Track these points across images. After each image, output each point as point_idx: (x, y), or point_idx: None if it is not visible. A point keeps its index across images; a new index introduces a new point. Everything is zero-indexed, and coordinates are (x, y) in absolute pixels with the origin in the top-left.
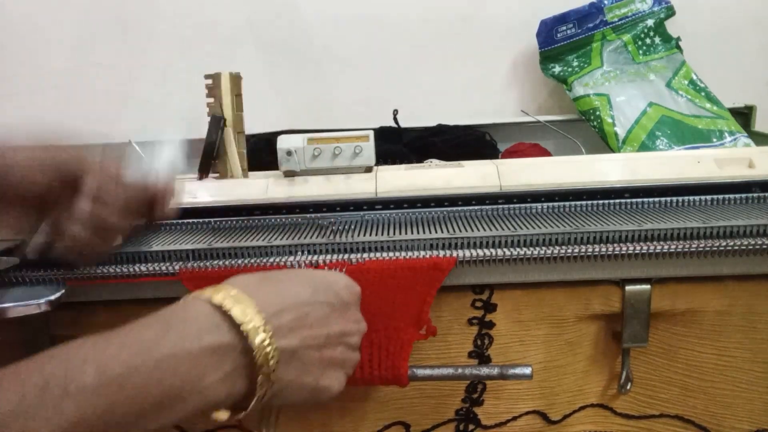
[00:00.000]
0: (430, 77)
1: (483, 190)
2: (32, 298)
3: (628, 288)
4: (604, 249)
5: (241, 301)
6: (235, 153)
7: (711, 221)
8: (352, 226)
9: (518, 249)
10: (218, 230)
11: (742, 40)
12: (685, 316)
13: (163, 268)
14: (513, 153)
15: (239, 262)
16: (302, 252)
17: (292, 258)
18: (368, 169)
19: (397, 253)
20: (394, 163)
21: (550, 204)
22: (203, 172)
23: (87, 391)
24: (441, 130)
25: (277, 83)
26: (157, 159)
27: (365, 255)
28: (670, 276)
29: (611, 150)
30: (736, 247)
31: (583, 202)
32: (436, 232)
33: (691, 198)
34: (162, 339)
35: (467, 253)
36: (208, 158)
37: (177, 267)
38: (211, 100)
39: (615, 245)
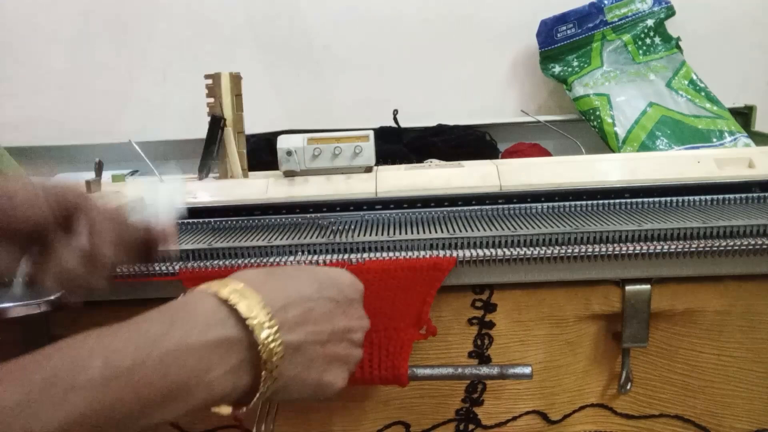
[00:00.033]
0: (430, 77)
1: (483, 190)
2: (32, 298)
3: (628, 288)
4: (604, 249)
5: (247, 296)
6: (235, 153)
7: (711, 221)
8: (352, 226)
9: (518, 249)
10: (218, 230)
11: (742, 40)
12: (685, 316)
13: (163, 268)
14: (513, 153)
15: (239, 262)
16: (302, 252)
17: (292, 258)
18: (368, 169)
19: (397, 253)
20: (394, 163)
21: (550, 204)
22: (203, 172)
23: (94, 385)
24: (441, 130)
25: (277, 83)
26: (157, 200)
27: (365, 255)
28: (670, 276)
29: (611, 150)
30: (736, 247)
31: (583, 202)
32: (436, 232)
33: (691, 198)
34: (168, 332)
35: (467, 253)
36: (208, 158)
37: (177, 267)
38: (211, 100)
39: (615, 245)
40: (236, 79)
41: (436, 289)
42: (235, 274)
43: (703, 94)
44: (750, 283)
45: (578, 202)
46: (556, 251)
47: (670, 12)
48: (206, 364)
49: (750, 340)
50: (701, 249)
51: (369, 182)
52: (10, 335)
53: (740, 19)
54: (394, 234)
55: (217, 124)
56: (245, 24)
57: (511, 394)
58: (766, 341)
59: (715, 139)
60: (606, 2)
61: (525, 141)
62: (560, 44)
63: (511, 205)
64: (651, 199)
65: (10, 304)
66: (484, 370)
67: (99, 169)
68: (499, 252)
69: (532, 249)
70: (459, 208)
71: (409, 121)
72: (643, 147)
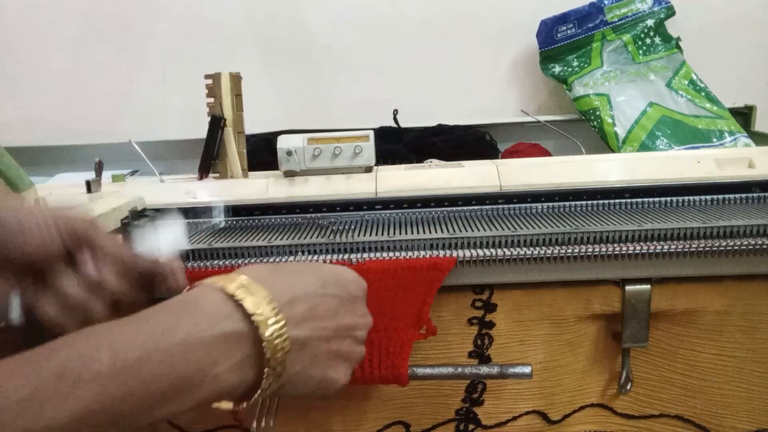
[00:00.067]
0: (430, 77)
1: (483, 190)
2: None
3: (628, 288)
4: (604, 249)
5: (254, 292)
6: (235, 153)
7: (711, 221)
8: (353, 226)
9: (518, 249)
10: (218, 230)
11: (742, 40)
12: (685, 316)
13: None
14: (513, 153)
15: (239, 262)
16: (302, 252)
17: (292, 258)
18: (368, 169)
19: (397, 253)
20: (394, 163)
21: (550, 204)
22: (203, 172)
23: (101, 378)
24: (441, 130)
25: (277, 83)
26: (160, 240)
27: (365, 255)
28: (670, 276)
29: (611, 150)
30: (736, 247)
31: (583, 202)
32: (436, 232)
33: (691, 198)
34: (175, 326)
35: (467, 253)
36: (208, 158)
37: None
38: (211, 100)
39: (615, 245)
40: (236, 79)
41: (436, 289)
42: (240, 269)
43: (703, 94)
44: (750, 283)
45: (578, 202)
46: (556, 251)
47: (670, 12)
48: (213, 358)
49: (750, 340)
50: (701, 249)
51: (369, 182)
52: (10, 335)
53: (740, 19)
54: (394, 234)
55: (217, 124)
56: (245, 24)
57: (511, 394)
58: (766, 341)
59: (715, 139)
60: (606, 2)
61: (525, 141)
62: (560, 44)
63: (511, 205)
64: (651, 199)
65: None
66: (484, 369)
67: (99, 169)
68: (499, 252)
69: (532, 249)
70: (459, 208)
71: (409, 121)
72: (643, 147)
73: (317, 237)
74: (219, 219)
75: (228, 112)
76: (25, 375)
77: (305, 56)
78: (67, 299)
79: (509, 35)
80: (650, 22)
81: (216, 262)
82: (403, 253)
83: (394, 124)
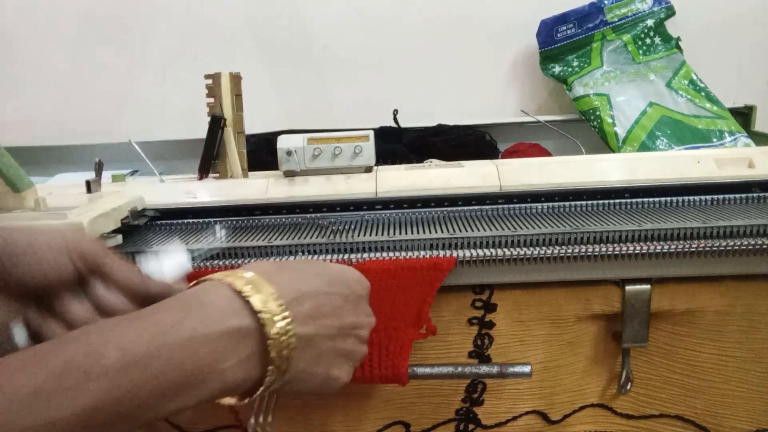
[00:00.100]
0: (430, 77)
1: (483, 190)
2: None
3: (628, 288)
4: (604, 249)
5: (261, 289)
6: (235, 153)
7: (711, 221)
8: (352, 226)
9: (518, 249)
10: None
11: (742, 39)
12: (685, 316)
13: None
14: (513, 153)
15: (239, 262)
16: (302, 252)
17: (292, 258)
18: (368, 169)
19: (397, 253)
20: (394, 163)
21: (550, 204)
22: (203, 172)
23: (109, 373)
24: (441, 130)
25: (277, 83)
26: (164, 267)
27: (365, 255)
28: (670, 276)
29: (611, 150)
30: (736, 247)
31: (583, 202)
32: (436, 232)
33: (691, 198)
34: (183, 322)
35: (467, 253)
36: (208, 158)
37: None
38: (211, 100)
39: (615, 245)
40: (236, 79)
41: (436, 289)
42: (246, 265)
43: (703, 94)
44: (750, 283)
45: (578, 202)
46: (556, 251)
47: (670, 12)
48: (220, 354)
49: (750, 340)
50: (701, 249)
51: (369, 182)
52: None
53: (740, 19)
54: (394, 234)
55: (217, 124)
56: (245, 24)
57: (511, 394)
58: (766, 341)
59: (715, 139)
60: (606, 2)
61: (525, 141)
62: (560, 44)
63: (511, 205)
64: (651, 199)
65: None
66: (484, 369)
67: (99, 169)
68: (499, 252)
69: (532, 249)
70: (459, 208)
71: (409, 121)
72: (643, 147)
73: (317, 237)
74: (218, 242)
75: (228, 112)
76: (33, 370)
77: (305, 56)
78: (76, 324)
79: (509, 35)
80: (650, 22)
81: (216, 262)
82: (403, 253)
83: (394, 124)
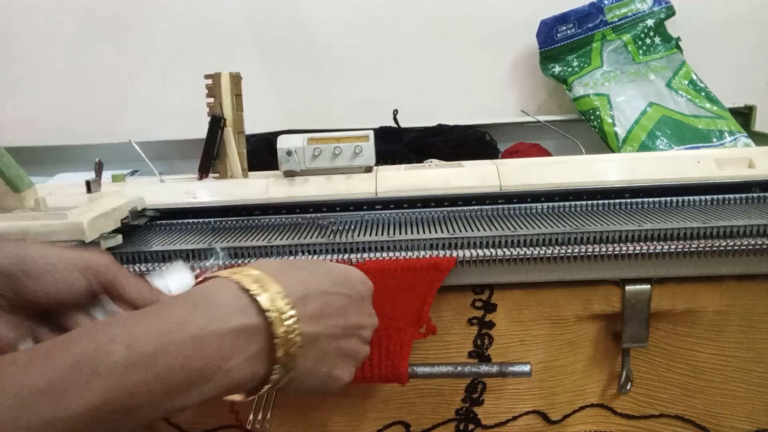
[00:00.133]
0: (430, 77)
1: (483, 190)
2: None
3: (628, 288)
4: (604, 249)
5: (268, 287)
6: (235, 153)
7: (711, 221)
8: (352, 226)
9: (518, 249)
10: (218, 230)
11: (742, 40)
12: (684, 316)
13: (164, 268)
14: (513, 153)
15: (239, 262)
16: (302, 252)
17: (292, 258)
18: (368, 169)
19: (397, 253)
20: (394, 163)
21: (550, 204)
22: (203, 172)
23: (117, 370)
24: (441, 130)
25: (277, 83)
26: (170, 283)
27: (365, 255)
28: (670, 276)
29: (611, 150)
30: (736, 247)
31: (583, 202)
32: (436, 232)
33: (691, 198)
34: (190, 319)
35: (467, 253)
36: (208, 158)
37: None
38: (211, 100)
39: (615, 245)
40: (236, 79)
41: (436, 289)
42: (252, 262)
43: (703, 94)
44: (750, 283)
45: (578, 202)
46: (556, 251)
47: (670, 12)
48: (227, 351)
49: (750, 340)
50: (701, 249)
51: (369, 182)
52: None
53: (740, 19)
54: (394, 234)
55: (217, 124)
56: (245, 24)
57: (511, 394)
58: (766, 341)
59: (715, 139)
60: (606, 2)
61: (525, 141)
62: (560, 44)
63: (511, 205)
64: (651, 199)
65: None
66: (484, 368)
67: (99, 169)
68: (499, 252)
69: (532, 249)
70: (459, 208)
71: (409, 121)
72: (643, 147)
73: (317, 237)
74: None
75: (228, 112)
76: (42, 366)
77: (305, 56)
78: None
79: (509, 35)
80: (650, 22)
81: (216, 262)
82: (403, 253)
83: (394, 124)
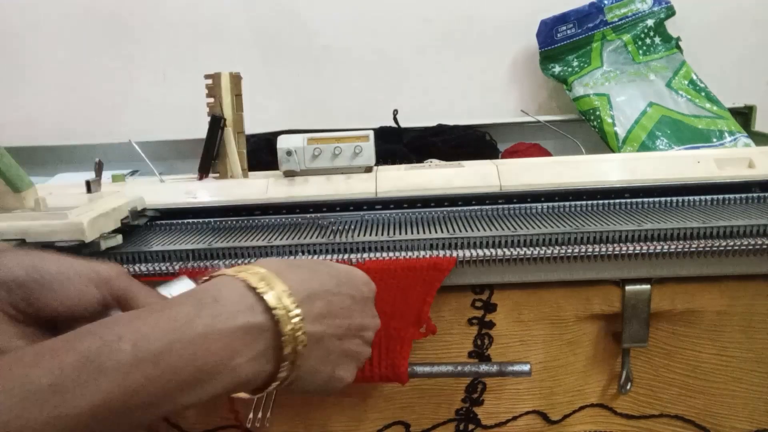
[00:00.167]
0: (430, 77)
1: (483, 190)
2: None
3: (628, 288)
4: (604, 249)
5: (274, 285)
6: (235, 153)
7: (711, 221)
8: (352, 226)
9: (518, 249)
10: (218, 230)
11: (742, 39)
12: (684, 316)
13: (163, 267)
14: (513, 153)
15: (239, 262)
16: (302, 252)
17: (292, 258)
18: (368, 169)
19: (397, 253)
20: (394, 163)
21: (550, 204)
22: (203, 172)
23: (123, 368)
24: (441, 130)
25: (277, 83)
26: (174, 293)
27: (365, 255)
28: (670, 276)
29: (611, 150)
30: (736, 247)
31: (583, 202)
32: (436, 232)
33: (691, 198)
34: (197, 317)
35: (467, 253)
36: (208, 158)
37: (177, 267)
38: (211, 100)
39: (615, 245)
40: (236, 79)
41: (436, 289)
42: (257, 261)
43: (703, 94)
44: (750, 283)
45: (578, 202)
46: (556, 251)
47: (670, 12)
48: (233, 349)
49: (750, 340)
50: (701, 249)
51: (369, 182)
52: None
53: (740, 19)
54: (394, 234)
55: (217, 124)
56: (245, 24)
57: (512, 394)
58: (766, 341)
59: (715, 139)
60: (606, 2)
61: (525, 141)
62: (560, 44)
63: (511, 205)
64: (651, 199)
65: None
66: (484, 367)
67: (99, 169)
68: (499, 252)
69: (532, 249)
70: (459, 208)
71: (409, 121)
72: (643, 147)
73: (317, 237)
74: None
75: (228, 112)
76: (47, 364)
77: (305, 56)
78: None
79: (509, 35)
80: (650, 22)
81: (216, 262)
82: (403, 253)
83: (394, 124)
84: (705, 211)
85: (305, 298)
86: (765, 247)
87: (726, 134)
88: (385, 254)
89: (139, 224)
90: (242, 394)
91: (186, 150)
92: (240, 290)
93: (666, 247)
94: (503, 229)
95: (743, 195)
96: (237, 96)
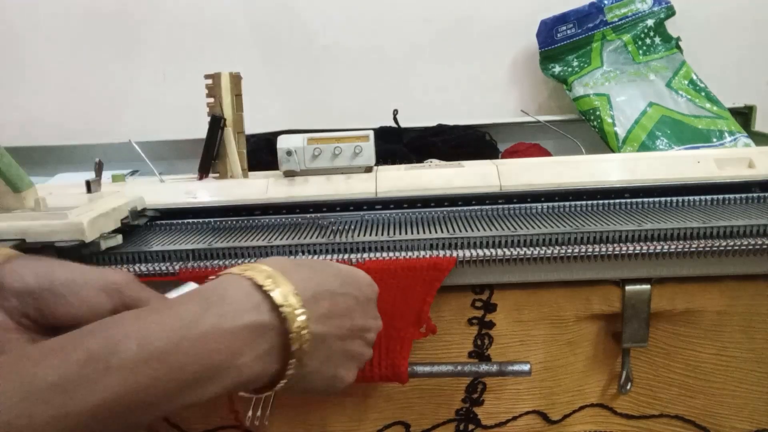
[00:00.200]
0: (430, 77)
1: (483, 190)
2: None
3: (628, 288)
4: (604, 249)
5: (281, 284)
6: (235, 153)
7: (711, 221)
8: (352, 226)
9: (518, 249)
10: (218, 230)
11: (742, 39)
12: (685, 316)
13: (163, 268)
14: (513, 153)
15: (239, 262)
16: (302, 252)
17: (297, 257)
18: (368, 169)
19: (397, 253)
20: (394, 163)
21: (550, 204)
22: (203, 172)
23: (128, 366)
24: (441, 130)
25: (277, 83)
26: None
27: (365, 255)
28: (670, 276)
29: (611, 150)
30: (736, 247)
31: (583, 202)
32: (436, 232)
33: (691, 198)
34: (202, 315)
35: (467, 253)
36: (208, 158)
37: (177, 267)
38: (211, 100)
39: (615, 245)
40: (236, 79)
41: (436, 289)
42: (265, 259)
43: (703, 94)
44: (750, 283)
45: (578, 202)
46: (556, 251)
47: (670, 12)
48: (238, 348)
49: (750, 340)
50: (701, 249)
51: (369, 182)
52: None
53: (740, 19)
54: (394, 234)
55: (217, 124)
56: (245, 24)
57: (512, 394)
58: (766, 341)
59: (715, 139)
60: (606, 2)
61: (525, 141)
62: (560, 44)
63: (511, 205)
64: (651, 199)
65: None
66: (483, 367)
67: (99, 169)
68: (499, 252)
69: (532, 249)
70: (459, 208)
71: (409, 121)
72: (643, 147)
73: (317, 237)
74: None
75: (228, 112)
76: (54, 361)
77: (305, 56)
78: None
79: (509, 35)
80: (650, 22)
81: (216, 262)
82: (403, 253)
83: (394, 124)
84: (705, 211)
85: (310, 297)
86: (765, 247)
87: (726, 134)
88: (385, 254)
89: (139, 224)
90: (246, 394)
91: (186, 150)
92: (246, 288)
93: (666, 247)
94: (503, 229)
95: (743, 195)
96: (237, 96)
